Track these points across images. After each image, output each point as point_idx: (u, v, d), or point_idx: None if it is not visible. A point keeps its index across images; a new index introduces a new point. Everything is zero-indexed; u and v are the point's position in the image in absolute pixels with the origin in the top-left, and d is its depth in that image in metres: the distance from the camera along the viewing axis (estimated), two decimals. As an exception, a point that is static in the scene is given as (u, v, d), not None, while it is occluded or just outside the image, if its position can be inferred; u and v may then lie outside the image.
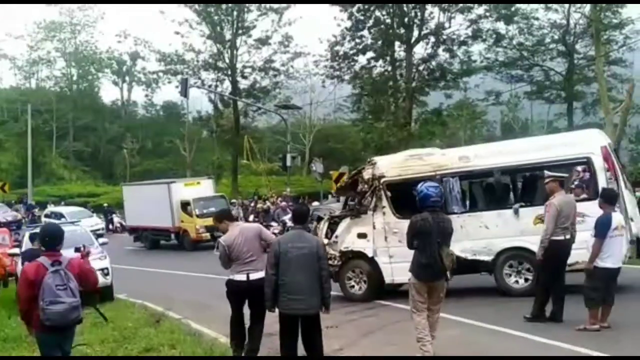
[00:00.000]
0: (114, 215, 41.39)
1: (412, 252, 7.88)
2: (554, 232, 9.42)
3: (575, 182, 14.15)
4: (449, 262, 7.50)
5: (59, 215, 36.11)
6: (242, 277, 7.91)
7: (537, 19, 41.04)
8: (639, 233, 11.36)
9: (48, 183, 65.08)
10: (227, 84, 48.04)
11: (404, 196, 11.26)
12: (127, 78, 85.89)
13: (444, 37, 36.12)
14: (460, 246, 10.79)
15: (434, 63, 36.95)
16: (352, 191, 13.56)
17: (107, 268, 15.19)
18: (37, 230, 13.39)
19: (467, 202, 12.43)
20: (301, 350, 7.47)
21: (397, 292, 12.29)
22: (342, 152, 57.04)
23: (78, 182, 68.79)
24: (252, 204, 33.96)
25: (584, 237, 9.34)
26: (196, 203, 27.61)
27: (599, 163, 10.86)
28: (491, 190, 12.22)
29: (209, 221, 27.15)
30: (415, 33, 36.34)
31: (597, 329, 8.89)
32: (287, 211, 26.40)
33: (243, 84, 47.53)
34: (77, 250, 8.24)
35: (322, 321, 7.47)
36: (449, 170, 12.05)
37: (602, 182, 10.67)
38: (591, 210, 9.88)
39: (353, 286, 12.81)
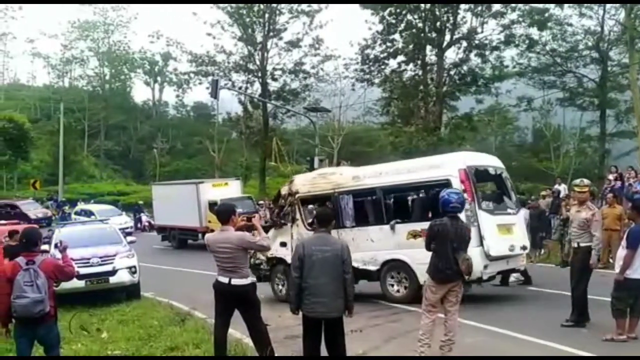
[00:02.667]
0: (142, 214, 41.70)
1: None
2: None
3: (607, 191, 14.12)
4: (465, 267, 7.75)
5: (89, 213, 36.57)
6: (224, 279, 7.71)
7: (570, 25, 40.52)
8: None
9: (79, 181, 65.91)
10: (257, 86, 48.26)
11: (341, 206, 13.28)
12: (158, 78, 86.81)
13: (476, 41, 35.84)
14: (353, 256, 10.72)
15: (465, 68, 36.69)
16: (276, 204, 15.16)
17: (134, 266, 15.32)
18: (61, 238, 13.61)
19: (358, 217, 13.53)
20: (324, 353, 7.43)
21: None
22: (371, 155, 56.80)
23: (108, 180, 69.61)
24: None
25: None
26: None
27: (456, 184, 11.55)
28: (375, 207, 13.28)
29: (236, 222, 27.30)
30: (447, 37, 36.12)
31: (624, 340, 8.81)
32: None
33: (273, 86, 47.70)
34: (55, 246, 8.72)
35: (346, 325, 7.42)
36: (343, 188, 13.52)
37: (476, 203, 11.77)
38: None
39: (281, 289, 14.32)
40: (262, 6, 45.39)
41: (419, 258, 10.68)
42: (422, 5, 35.72)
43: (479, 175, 12.63)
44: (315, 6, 45.89)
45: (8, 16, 75.11)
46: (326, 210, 8.21)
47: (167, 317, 12.13)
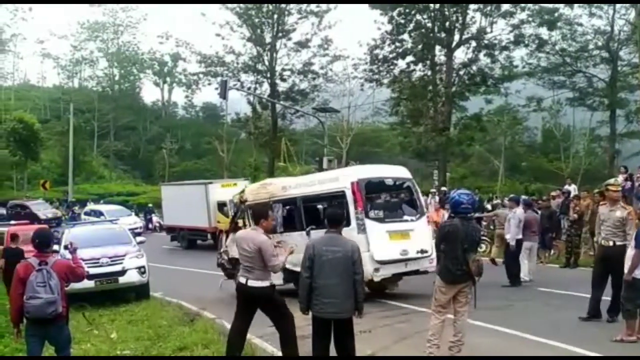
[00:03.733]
0: (152, 215, 41.84)
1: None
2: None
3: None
4: (475, 268, 7.77)
5: (98, 213, 36.66)
6: (242, 279, 7.82)
7: (580, 25, 40.41)
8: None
9: (88, 181, 66.15)
10: (265, 87, 48.30)
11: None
12: (168, 79, 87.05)
13: (486, 41, 35.76)
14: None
15: (474, 68, 36.61)
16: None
17: (143, 267, 15.34)
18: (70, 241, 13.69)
19: (286, 224, 14.84)
20: (333, 353, 7.42)
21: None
22: (380, 156, 56.85)
23: (118, 181, 69.83)
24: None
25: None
26: (232, 204, 27.70)
27: (349, 196, 12.97)
28: (297, 215, 14.50)
29: (245, 222, 27.33)
30: (456, 37, 36.07)
31: (634, 340, 8.77)
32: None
33: (282, 86, 47.72)
34: (66, 247, 8.70)
35: (355, 326, 7.40)
36: (276, 197, 14.80)
37: (351, 211, 12.80)
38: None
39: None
40: (271, 7, 45.42)
41: None
42: (431, 5, 35.70)
43: (372, 187, 13.82)
44: (324, 6, 45.91)
45: (18, 17, 75.39)
46: (336, 211, 8.19)
47: (176, 317, 12.14)
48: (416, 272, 13.58)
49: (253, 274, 7.68)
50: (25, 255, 11.10)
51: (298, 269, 12.40)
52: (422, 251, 13.17)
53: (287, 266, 12.19)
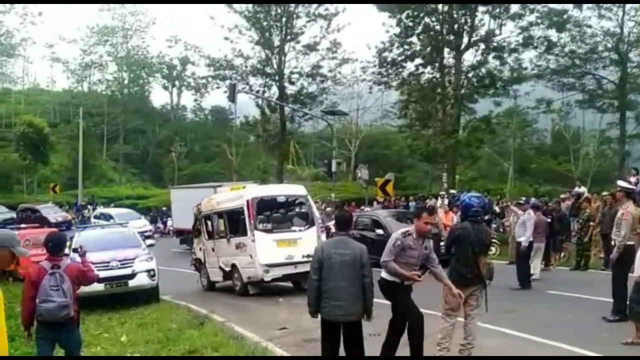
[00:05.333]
0: (168, 219, 41.67)
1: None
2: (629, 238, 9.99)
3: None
4: (485, 271, 7.84)
5: (108, 217, 36.77)
6: None
7: (590, 26, 40.15)
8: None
9: (98, 185, 66.36)
10: (274, 90, 48.23)
11: (209, 223, 18.52)
12: (177, 82, 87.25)
13: (494, 44, 35.62)
14: (221, 260, 17.13)
15: (483, 70, 36.45)
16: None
17: (153, 270, 15.39)
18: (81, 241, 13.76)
19: (218, 232, 18.00)
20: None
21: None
22: (388, 158, 56.81)
23: (127, 184, 70.01)
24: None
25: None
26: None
27: (245, 211, 15.87)
28: (223, 225, 17.57)
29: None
30: (465, 40, 35.92)
31: None
32: (331, 217, 26.36)
33: (290, 89, 47.62)
34: (75, 250, 8.70)
35: (364, 328, 7.39)
36: (213, 210, 18.23)
37: (247, 223, 15.73)
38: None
39: (203, 281, 18.73)
40: (279, 10, 45.42)
41: (242, 263, 15.89)
42: (440, 7, 35.60)
43: (265, 204, 16.70)
44: (332, 9, 45.86)
45: (27, 21, 75.78)
46: (345, 214, 8.19)
47: (186, 320, 12.17)
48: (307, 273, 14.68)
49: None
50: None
51: (227, 268, 16.92)
52: (308, 256, 13.29)
53: (222, 266, 16.99)
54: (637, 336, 8.75)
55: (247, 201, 15.91)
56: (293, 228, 16.33)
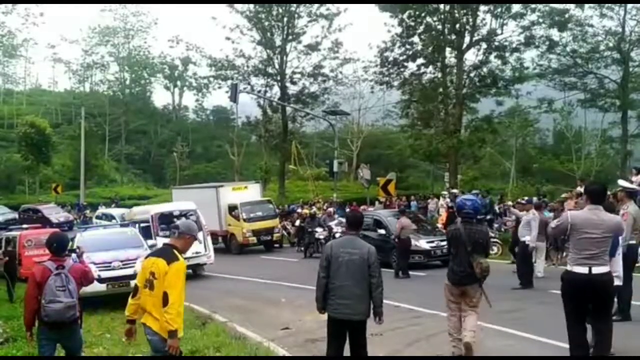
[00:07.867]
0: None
1: None
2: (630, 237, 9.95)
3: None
4: (479, 270, 7.95)
5: (110, 217, 36.74)
6: (583, 269, 7.15)
7: (591, 26, 40.15)
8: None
9: (100, 185, 66.40)
10: (276, 90, 48.35)
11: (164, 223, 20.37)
12: (178, 83, 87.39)
13: (496, 43, 35.62)
14: None
15: (485, 69, 36.45)
16: None
17: (155, 270, 15.37)
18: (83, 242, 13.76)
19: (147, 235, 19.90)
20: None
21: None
22: (390, 158, 56.80)
23: (129, 184, 70.08)
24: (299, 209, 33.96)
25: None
26: (243, 207, 27.77)
27: (151, 223, 20.60)
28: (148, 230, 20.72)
29: (256, 225, 27.42)
30: (467, 39, 35.92)
31: None
32: (333, 217, 26.35)
33: (292, 89, 47.71)
34: (72, 251, 8.75)
35: (367, 329, 7.38)
36: (132, 219, 21.87)
37: (152, 232, 20.03)
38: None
39: None
40: (281, 10, 45.50)
41: None
42: (441, 7, 35.60)
43: (165, 217, 20.70)
44: (333, 9, 45.92)
45: (29, 22, 75.87)
46: (356, 214, 8.24)
47: (188, 321, 12.09)
48: (198, 265, 20.09)
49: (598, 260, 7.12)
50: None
51: None
52: (197, 252, 18.85)
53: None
54: None
55: (152, 215, 21.23)
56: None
